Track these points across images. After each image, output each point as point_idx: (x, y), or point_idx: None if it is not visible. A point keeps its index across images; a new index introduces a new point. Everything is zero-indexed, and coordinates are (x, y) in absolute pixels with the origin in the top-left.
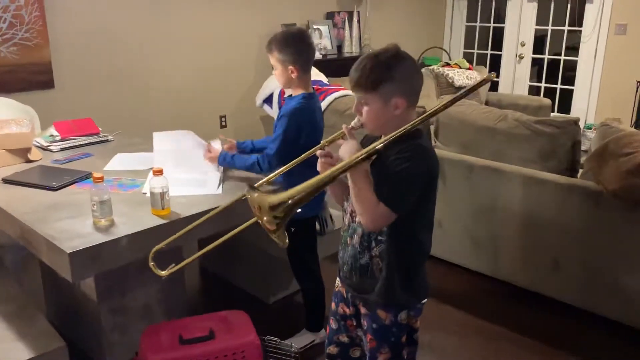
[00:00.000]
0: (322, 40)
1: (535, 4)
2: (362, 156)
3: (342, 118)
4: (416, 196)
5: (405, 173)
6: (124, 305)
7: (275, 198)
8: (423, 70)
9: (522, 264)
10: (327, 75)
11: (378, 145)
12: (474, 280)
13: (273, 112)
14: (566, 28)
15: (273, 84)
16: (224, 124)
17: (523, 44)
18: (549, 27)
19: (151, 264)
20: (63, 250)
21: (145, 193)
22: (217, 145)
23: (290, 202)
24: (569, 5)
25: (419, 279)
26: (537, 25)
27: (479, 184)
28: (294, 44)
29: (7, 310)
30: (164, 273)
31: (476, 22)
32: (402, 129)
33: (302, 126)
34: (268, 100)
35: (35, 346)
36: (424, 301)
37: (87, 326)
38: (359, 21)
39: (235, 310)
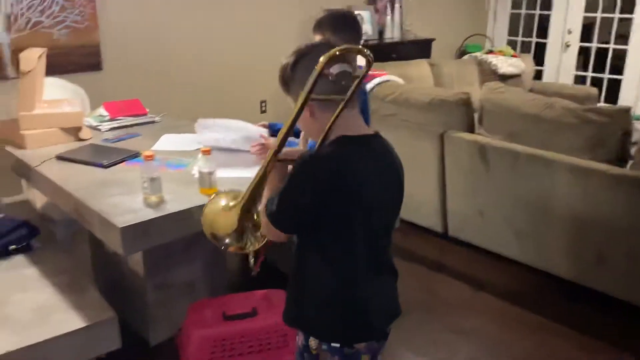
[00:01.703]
0: (364, 26)
1: None
2: (266, 164)
3: (384, 104)
4: (303, 216)
5: (286, 187)
6: (169, 282)
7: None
8: (465, 57)
9: (566, 255)
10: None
11: (267, 159)
12: (515, 270)
13: None
14: (617, 15)
15: None
16: (264, 109)
17: (570, 32)
18: (598, 15)
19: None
20: (115, 225)
21: (194, 173)
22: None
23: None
24: None
25: (328, 315)
26: (585, 12)
27: (523, 173)
28: (346, 25)
29: (60, 282)
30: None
31: (521, 8)
32: (276, 142)
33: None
34: None
35: (87, 316)
36: (344, 346)
37: (132, 300)
38: (401, 7)
39: (277, 289)
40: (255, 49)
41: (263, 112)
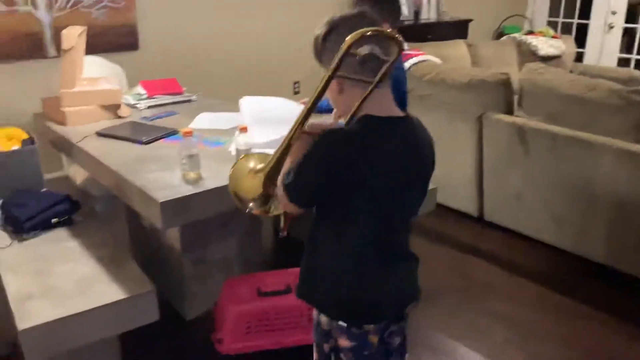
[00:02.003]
0: None
1: None
2: (290, 134)
3: (420, 83)
4: (318, 191)
5: (303, 160)
6: (205, 258)
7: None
8: (504, 38)
9: (605, 240)
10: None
11: (292, 130)
12: (551, 255)
13: None
14: None
15: None
16: (297, 89)
17: (614, 13)
18: None
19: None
20: (155, 200)
21: (231, 151)
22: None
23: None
24: None
25: (336, 294)
26: None
27: (564, 155)
28: (389, 3)
29: (100, 255)
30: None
31: None
32: (301, 114)
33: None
34: None
35: (127, 288)
36: (351, 327)
37: (169, 275)
38: None
39: None
40: (288, 29)
41: (296, 92)
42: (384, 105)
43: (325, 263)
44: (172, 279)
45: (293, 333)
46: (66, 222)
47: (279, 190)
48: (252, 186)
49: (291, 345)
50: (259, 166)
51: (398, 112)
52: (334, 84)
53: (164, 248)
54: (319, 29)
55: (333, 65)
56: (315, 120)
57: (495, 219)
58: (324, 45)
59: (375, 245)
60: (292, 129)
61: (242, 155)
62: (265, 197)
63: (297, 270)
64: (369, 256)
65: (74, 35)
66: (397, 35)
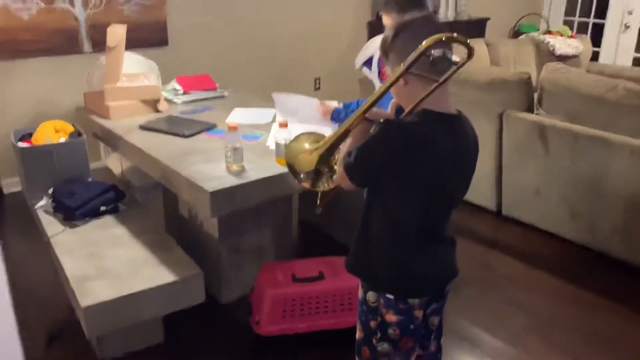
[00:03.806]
0: None
1: None
2: (353, 120)
3: None
4: (375, 173)
5: (365, 144)
6: (241, 245)
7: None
8: (522, 37)
9: (622, 236)
10: None
11: (356, 115)
12: (570, 249)
13: (372, 74)
14: None
15: (373, 47)
16: (317, 86)
17: (630, 12)
18: None
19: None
20: (205, 190)
21: (268, 144)
22: (333, 103)
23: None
24: None
25: (385, 268)
26: None
27: (583, 153)
28: (415, 3)
29: (147, 240)
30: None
31: None
32: (369, 100)
33: None
34: (368, 63)
35: (177, 271)
36: (398, 300)
37: (206, 262)
38: None
39: (341, 256)
40: (311, 29)
41: (317, 89)
42: (441, 102)
43: (376, 240)
44: (209, 265)
45: (326, 317)
46: (112, 210)
47: (339, 168)
48: (306, 163)
49: (325, 329)
50: (312, 145)
51: (452, 110)
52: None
53: (201, 236)
54: (389, 31)
55: (408, 62)
56: (375, 108)
57: (514, 213)
58: (393, 44)
59: (422, 227)
60: (354, 116)
61: (301, 132)
62: (315, 174)
63: (328, 259)
64: (415, 236)
65: (119, 33)
66: (468, 41)
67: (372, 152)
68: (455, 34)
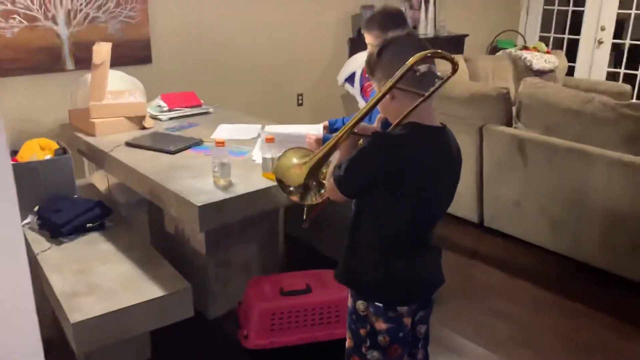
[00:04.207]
0: None
1: None
2: (341, 134)
3: None
4: (365, 184)
5: (355, 156)
6: (227, 260)
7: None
8: (499, 53)
9: (600, 245)
10: None
11: (344, 130)
12: (549, 259)
13: (355, 90)
14: None
15: (355, 64)
16: (300, 102)
17: (603, 29)
18: (633, 11)
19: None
20: (194, 204)
21: (255, 160)
22: (318, 128)
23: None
24: None
25: (374, 277)
26: (619, 9)
27: (562, 165)
28: (396, 21)
29: (134, 256)
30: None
31: (554, 5)
32: (358, 115)
33: None
34: (350, 79)
35: (165, 286)
36: (387, 309)
37: (193, 277)
38: (434, 3)
39: (328, 269)
40: (293, 45)
41: (300, 104)
42: (426, 115)
43: (365, 249)
44: (195, 280)
45: (314, 329)
46: (99, 227)
47: (329, 180)
48: (294, 177)
49: (313, 341)
50: (301, 160)
51: (437, 122)
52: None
53: (188, 251)
54: (374, 48)
55: (395, 78)
56: (362, 123)
57: (495, 225)
58: (379, 61)
59: (410, 235)
60: (342, 131)
61: (290, 148)
62: (304, 188)
63: (315, 272)
64: (404, 245)
65: (104, 51)
66: (453, 57)
67: (362, 163)
68: (440, 51)
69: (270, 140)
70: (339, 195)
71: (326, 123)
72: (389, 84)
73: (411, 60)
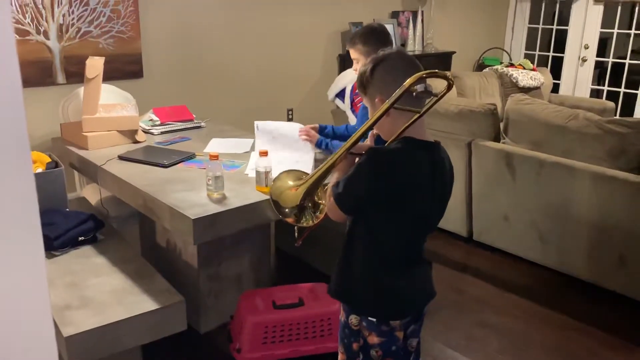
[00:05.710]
0: None
1: (601, 7)
2: (337, 156)
3: None
4: (365, 200)
5: (353, 172)
6: (219, 274)
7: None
8: (486, 70)
9: (587, 258)
10: None
11: (340, 152)
12: (538, 272)
13: (345, 106)
14: (633, 31)
15: (346, 79)
16: (290, 117)
17: (587, 47)
18: (615, 30)
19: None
20: (188, 217)
21: (247, 173)
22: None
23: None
24: (636, 9)
25: (367, 292)
26: (602, 28)
27: (548, 180)
28: (378, 36)
29: (127, 269)
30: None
31: (539, 24)
32: (353, 137)
33: None
34: (340, 94)
35: (159, 299)
36: (380, 323)
37: (185, 291)
38: (422, 21)
39: (320, 282)
40: (283, 61)
41: (290, 119)
42: (420, 130)
43: (358, 264)
44: (187, 293)
45: (307, 343)
46: (91, 240)
47: (328, 199)
48: (290, 199)
49: (306, 355)
50: (296, 182)
51: (430, 139)
52: (379, 104)
53: (180, 265)
54: (365, 66)
55: (392, 99)
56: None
57: (484, 239)
58: (371, 77)
59: (403, 250)
60: (339, 151)
61: (284, 170)
62: (299, 209)
63: (307, 285)
64: (397, 260)
65: (98, 66)
66: (448, 76)
67: (361, 179)
68: (437, 70)
69: (264, 154)
70: (339, 213)
71: (316, 125)
72: (385, 105)
73: (408, 81)
